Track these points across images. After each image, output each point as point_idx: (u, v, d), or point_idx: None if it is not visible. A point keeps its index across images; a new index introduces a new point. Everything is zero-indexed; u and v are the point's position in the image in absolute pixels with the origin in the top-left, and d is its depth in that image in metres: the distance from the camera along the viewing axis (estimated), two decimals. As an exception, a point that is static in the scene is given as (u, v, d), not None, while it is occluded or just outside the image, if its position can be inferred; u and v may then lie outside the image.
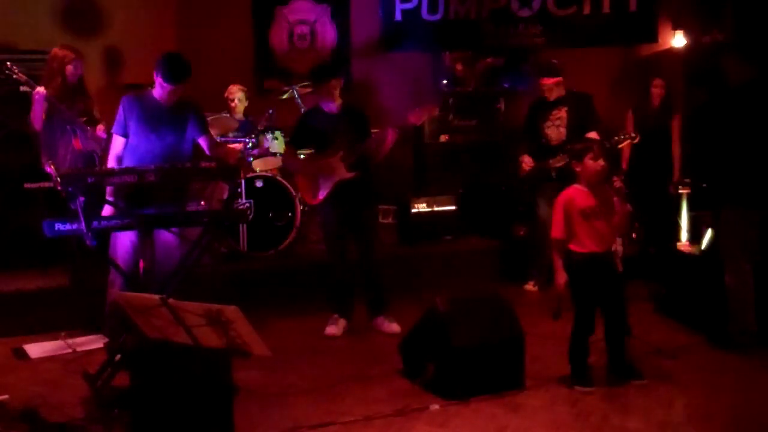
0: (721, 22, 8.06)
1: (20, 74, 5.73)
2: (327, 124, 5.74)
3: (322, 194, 5.75)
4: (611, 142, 6.18)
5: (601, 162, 4.69)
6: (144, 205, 4.65)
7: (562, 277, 4.73)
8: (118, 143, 5.11)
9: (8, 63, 5.80)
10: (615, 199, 4.74)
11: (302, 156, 6.11)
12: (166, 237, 4.99)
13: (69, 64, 5.72)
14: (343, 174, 5.67)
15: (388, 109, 7.87)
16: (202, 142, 5.28)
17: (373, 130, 5.85)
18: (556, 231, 4.76)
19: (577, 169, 4.79)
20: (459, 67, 8.71)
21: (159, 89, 5.03)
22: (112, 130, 5.16)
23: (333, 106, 5.78)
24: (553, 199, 4.95)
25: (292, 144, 6.05)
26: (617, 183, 4.71)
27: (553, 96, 6.65)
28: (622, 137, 6.29)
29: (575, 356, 4.76)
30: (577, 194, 4.77)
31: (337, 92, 5.76)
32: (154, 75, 5.00)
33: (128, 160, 5.10)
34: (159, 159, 5.01)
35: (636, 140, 6.39)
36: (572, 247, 4.75)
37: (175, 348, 3.67)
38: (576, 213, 4.71)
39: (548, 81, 6.64)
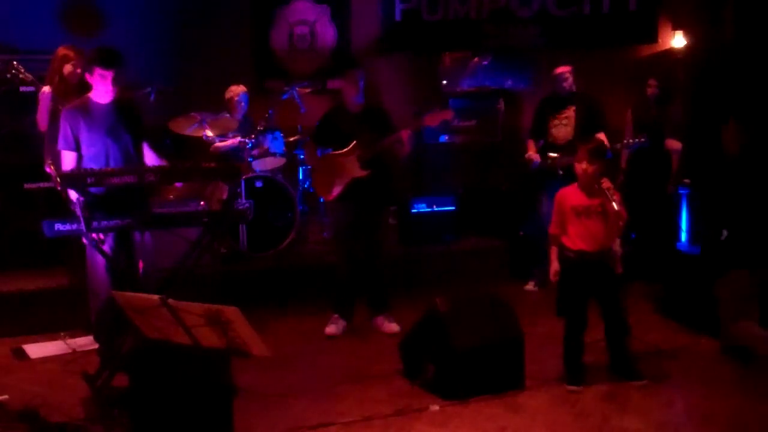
0: (722, 22, 8.04)
1: (26, 74, 5.72)
2: (348, 122, 5.74)
3: (336, 191, 5.75)
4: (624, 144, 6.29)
5: (583, 165, 4.74)
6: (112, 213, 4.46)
7: (554, 267, 4.84)
8: (68, 159, 4.82)
9: (14, 62, 5.78)
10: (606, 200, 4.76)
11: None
12: (142, 238, 4.95)
13: (67, 63, 5.69)
14: (356, 172, 5.66)
15: (387, 109, 7.84)
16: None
17: None
18: (552, 226, 4.92)
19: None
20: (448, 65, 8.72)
21: (100, 85, 4.80)
22: (60, 147, 4.86)
23: (355, 103, 5.77)
24: None
25: (314, 141, 6.04)
26: (605, 183, 4.72)
27: (567, 87, 6.63)
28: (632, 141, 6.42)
29: (566, 354, 4.81)
30: (571, 192, 4.85)
31: (360, 85, 5.75)
32: (89, 76, 4.82)
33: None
34: (123, 160, 4.88)
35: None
36: (564, 242, 4.82)
37: (175, 348, 3.67)
38: (568, 210, 4.80)
39: (563, 68, 6.63)
